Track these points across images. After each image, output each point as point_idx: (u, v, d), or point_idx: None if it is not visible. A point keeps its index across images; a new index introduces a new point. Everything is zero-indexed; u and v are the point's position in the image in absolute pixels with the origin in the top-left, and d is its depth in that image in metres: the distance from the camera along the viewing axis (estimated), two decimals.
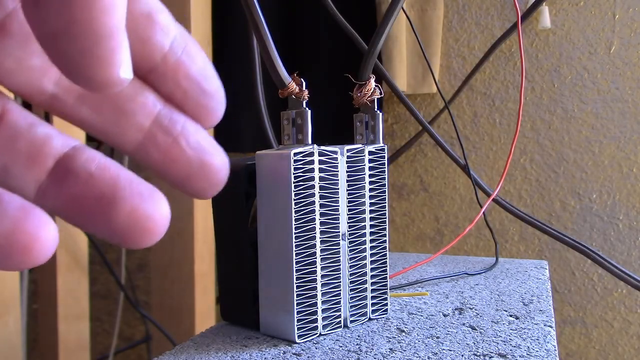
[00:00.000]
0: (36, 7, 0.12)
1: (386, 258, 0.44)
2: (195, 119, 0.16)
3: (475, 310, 0.46)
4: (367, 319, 0.43)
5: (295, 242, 0.37)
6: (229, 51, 0.96)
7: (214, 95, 0.16)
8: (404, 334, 0.41)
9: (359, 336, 0.40)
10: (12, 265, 0.13)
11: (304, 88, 0.38)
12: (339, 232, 0.40)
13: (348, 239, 0.41)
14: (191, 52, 0.16)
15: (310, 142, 0.39)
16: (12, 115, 0.15)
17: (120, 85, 0.13)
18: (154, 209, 0.15)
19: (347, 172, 0.41)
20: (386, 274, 0.44)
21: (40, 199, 0.15)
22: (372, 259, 0.43)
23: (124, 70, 0.13)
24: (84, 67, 0.12)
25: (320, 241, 0.39)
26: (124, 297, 1.00)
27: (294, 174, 0.37)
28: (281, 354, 0.37)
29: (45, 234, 0.13)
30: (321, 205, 0.39)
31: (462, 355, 0.37)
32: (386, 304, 0.44)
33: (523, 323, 0.43)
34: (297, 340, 0.38)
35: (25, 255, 0.13)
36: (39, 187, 0.15)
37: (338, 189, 0.40)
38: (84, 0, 0.12)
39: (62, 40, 0.12)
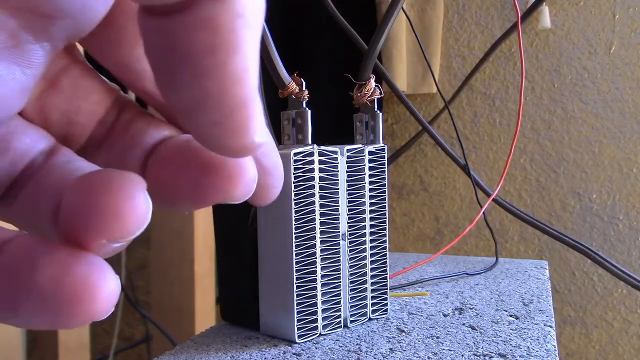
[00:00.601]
0: (171, 84, 0.12)
1: (386, 258, 0.44)
2: (256, 193, 0.16)
3: (475, 310, 0.46)
4: (367, 319, 0.43)
5: (295, 242, 0.37)
6: None
7: (278, 175, 0.16)
8: (404, 334, 0.41)
9: (359, 336, 0.40)
10: (64, 320, 0.11)
11: (304, 88, 0.38)
12: (339, 232, 0.40)
13: (348, 239, 0.41)
14: None
15: (310, 142, 0.39)
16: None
17: (256, 150, 0.13)
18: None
19: (347, 172, 0.41)
20: (386, 274, 0.44)
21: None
22: (372, 259, 0.43)
23: (259, 135, 0.13)
24: (219, 137, 0.12)
25: (320, 241, 0.39)
26: (124, 297, 1.00)
27: (294, 174, 0.37)
28: (281, 354, 0.37)
29: (105, 280, 0.11)
30: (321, 205, 0.39)
31: (462, 355, 0.37)
32: (386, 304, 0.44)
33: (523, 323, 0.43)
34: (297, 340, 0.38)
35: (82, 306, 0.11)
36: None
37: (338, 189, 0.40)
38: (216, 73, 0.12)
39: (196, 113, 0.12)
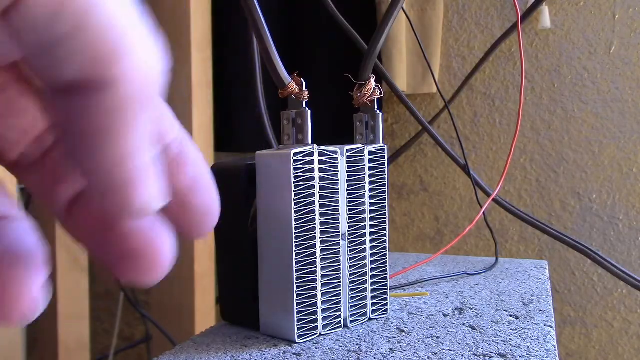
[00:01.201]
0: (71, 152, 0.13)
1: (386, 258, 0.44)
2: (186, 230, 0.16)
3: (475, 310, 0.46)
4: (367, 319, 0.43)
5: (295, 242, 0.37)
6: (229, 51, 0.96)
7: (211, 209, 0.17)
8: (404, 334, 0.41)
9: (359, 336, 0.40)
10: None
11: (304, 88, 0.38)
12: (339, 232, 0.40)
13: (348, 239, 0.41)
14: (189, 155, 0.16)
15: (310, 142, 0.39)
16: None
17: (152, 212, 0.14)
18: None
19: (347, 172, 0.41)
20: (386, 274, 0.44)
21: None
22: (372, 259, 0.43)
23: (154, 201, 0.13)
24: (116, 204, 0.13)
25: (320, 241, 0.39)
26: (124, 297, 1.00)
27: (294, 174, 0.37)
28: (281, 354, 0.37)
29: (35, 286, 0.13)
30: (321, 205, 0.39)
31: (462, 355, 0.37)
32: (386, 304, 0.44)
33: (523, 323, 0.43)
34: (297, 340, 0.38)
35: (10, 310, 0.12)
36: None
37: (338, 189, 0.40)
38: (104, 153, 0.12)
39: (93, 181, 0.13)
